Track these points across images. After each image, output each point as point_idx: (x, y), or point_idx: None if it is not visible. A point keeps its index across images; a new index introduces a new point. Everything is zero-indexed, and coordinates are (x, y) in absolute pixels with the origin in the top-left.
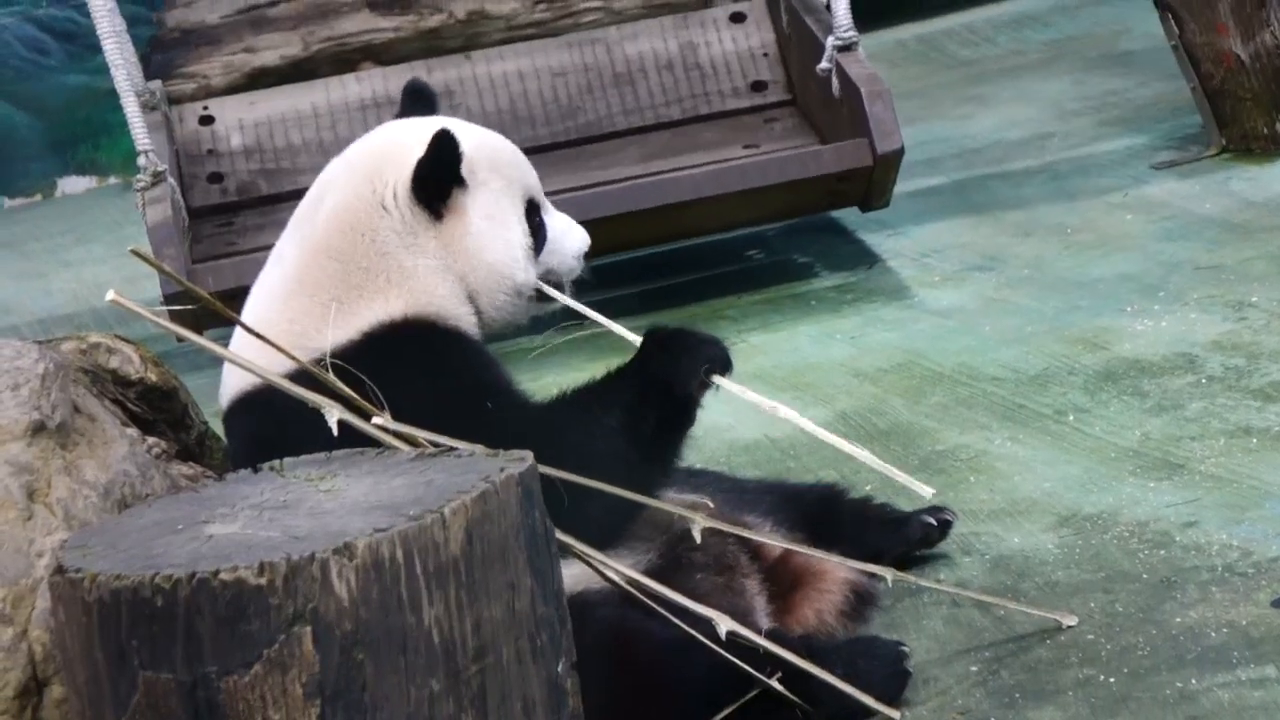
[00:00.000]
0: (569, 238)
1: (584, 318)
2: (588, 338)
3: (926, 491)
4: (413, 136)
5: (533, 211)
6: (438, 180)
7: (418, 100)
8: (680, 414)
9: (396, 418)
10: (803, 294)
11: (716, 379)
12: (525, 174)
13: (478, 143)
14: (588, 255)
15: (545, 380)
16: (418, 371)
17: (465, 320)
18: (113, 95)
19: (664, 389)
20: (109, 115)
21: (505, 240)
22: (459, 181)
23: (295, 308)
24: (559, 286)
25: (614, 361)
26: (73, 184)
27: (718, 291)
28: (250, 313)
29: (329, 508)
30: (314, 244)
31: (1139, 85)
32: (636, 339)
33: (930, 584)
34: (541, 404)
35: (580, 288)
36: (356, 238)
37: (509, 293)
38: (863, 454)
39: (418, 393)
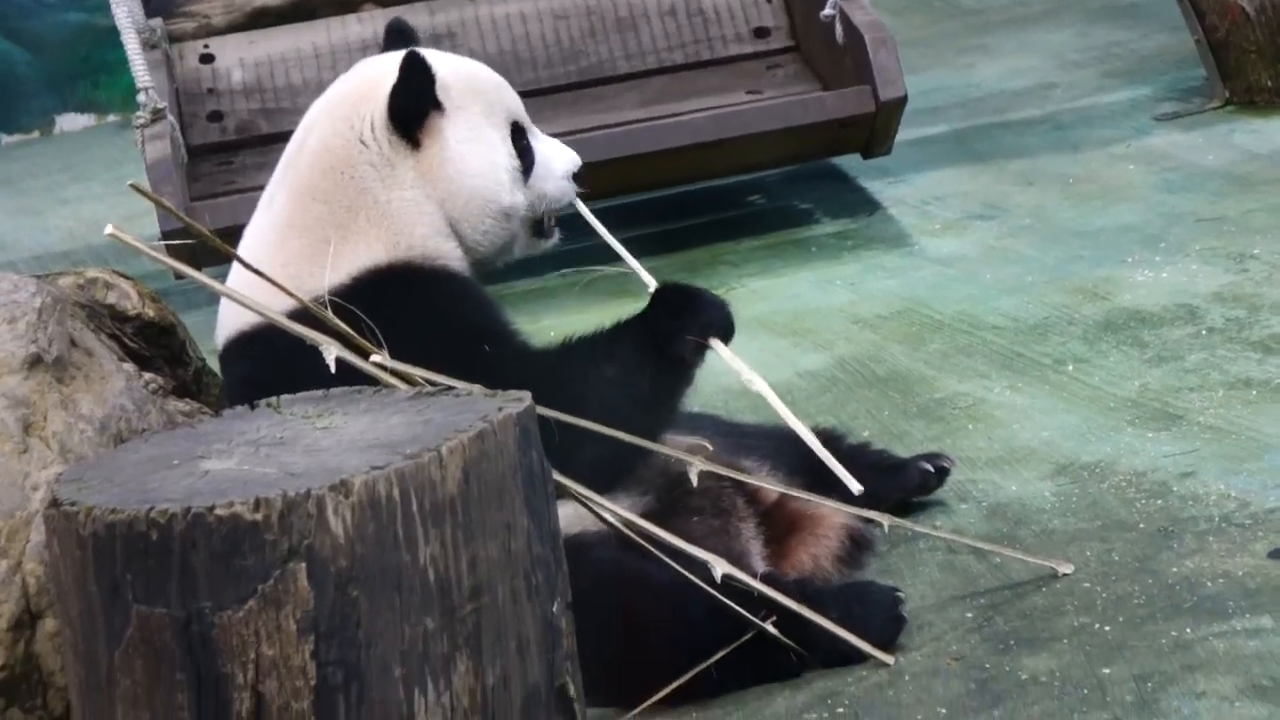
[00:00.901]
0: (557, 159)
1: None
2: (589, 279)
3: (856, 488)
4: (387, 67)
5: (518, 135)
6: (411, 105)
7: (400, 39)
8: (674, 374)
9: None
10: (803, 240)
11: (713, 343)
12: (507, 97)
13: (452, 67)
14: (583, 190)
15: (543, 323)
16: (404, 317)
17: (451, 257)
18: (113, 33)
19: (659, 347)
20: (109, 53)
21: (489, 162)
22: (435, 105)
23: (287, 251)
24: (555, 218)
25: (611, 304)
26: (71, 121)
27: (718, 236)
28: (243, 255)
29: (325, 445)
30: (299, 186)
31: (1143, 37)
32: (651, 280)
33: (927, 530)
34: (540, 350)
35: (578, 231)
36: (337, 176)
37: (495, 216)
38: (811, 439)
39: (407, 338)
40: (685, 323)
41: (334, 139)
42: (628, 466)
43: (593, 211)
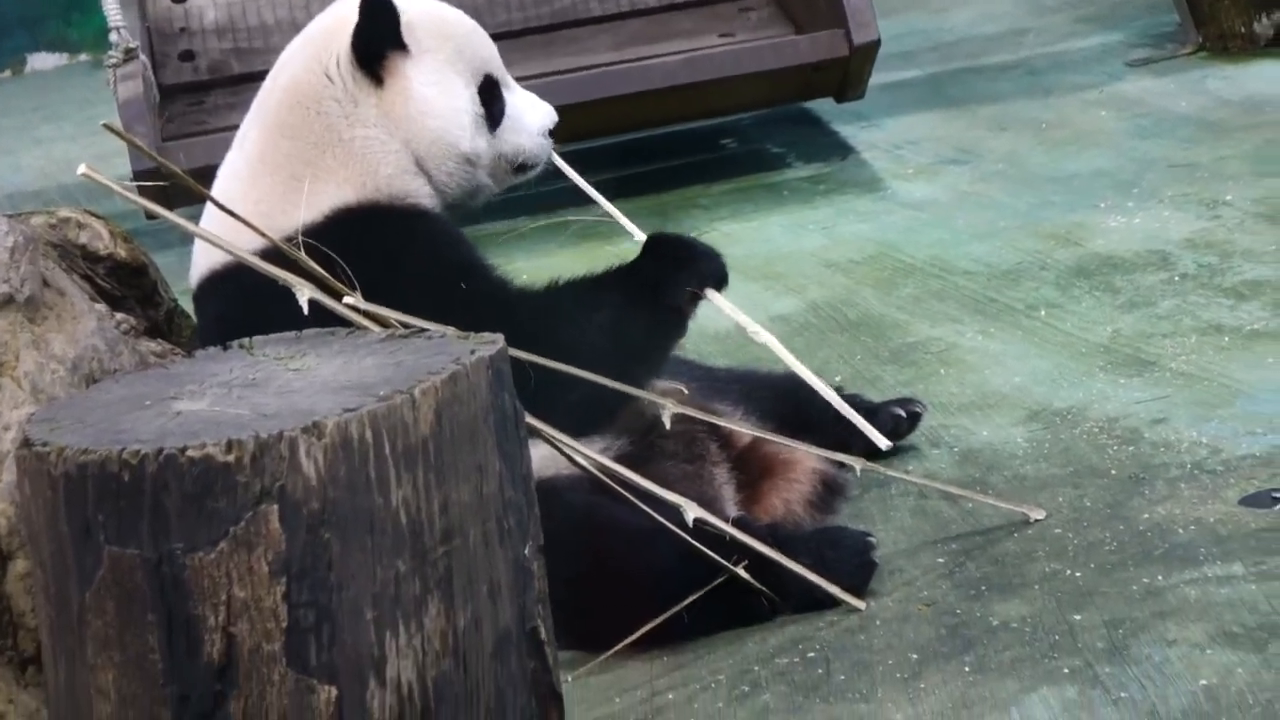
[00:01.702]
0: (531, 114)
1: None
2: (559, 225)
3: (883, 443)
4: (357, 6)
5: (489, 86)
6: (373, 43)
7: None
8: (669, 324)
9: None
10: (775, 184)
11: (709, 293)
12: (479, 46)
13: (424, 10)
14: (556, 135)
15: (517, 264)
16: (378, 257)
17: (421, 195)
18: None
19: (655, 296)
20: None
21: (450, 107)
22: (399, 45)
23: (259, 189)
24: (530, 168)
25: (585, 248)
26: (43, 60)
27: (690, 180)
28: (216, 196)
29: (298, 386)
30: (269, 122)
31: None
32: (635, 229)
33: (898, 475)
34: (526, 290)
35: (551, 175)
36: (304, 112)
37: (457, 161)
38: (829, 393)
39: (381, 277)
40: (682, 273)
41: (303, 74)
42: (610, 411)
43: (565, 155)
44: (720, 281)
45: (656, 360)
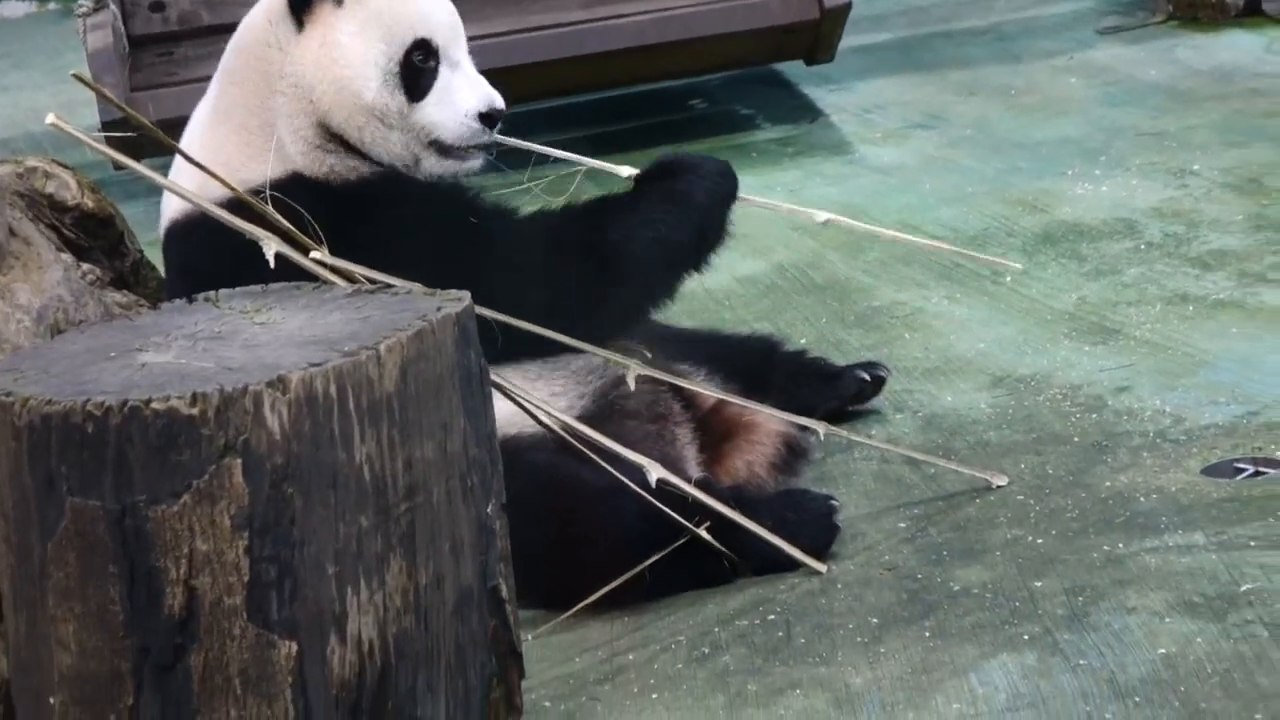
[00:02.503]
0: (465, 95)
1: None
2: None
3: (1015, 267)
4: None
5: (423, 52)
6: None
7: None
8: (718, 231)
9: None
10: (744, 145)
11: (746, 196)
12: (423, 10)
13: None
14: (495, 124)
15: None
16: (363, 210)
17: (342, 168)
18: None
19: (701, 206)
20: None
21: (362, 58)
22: None
23: (216, 137)
24: (458, 151)
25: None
26: (11, 8)
27: (659, 140)
28: (183, 144)
29: (263, 340)
30: (223, 69)
31: None
32: (620, 169)
33: (862, 439)
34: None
35: (517, 129)
36: (247, 57)
37: (364, 113)
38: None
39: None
40: (717, 185)
41: (251, 21)
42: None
43: (536, 113)
44: (737, 185)
45: (699, 265)
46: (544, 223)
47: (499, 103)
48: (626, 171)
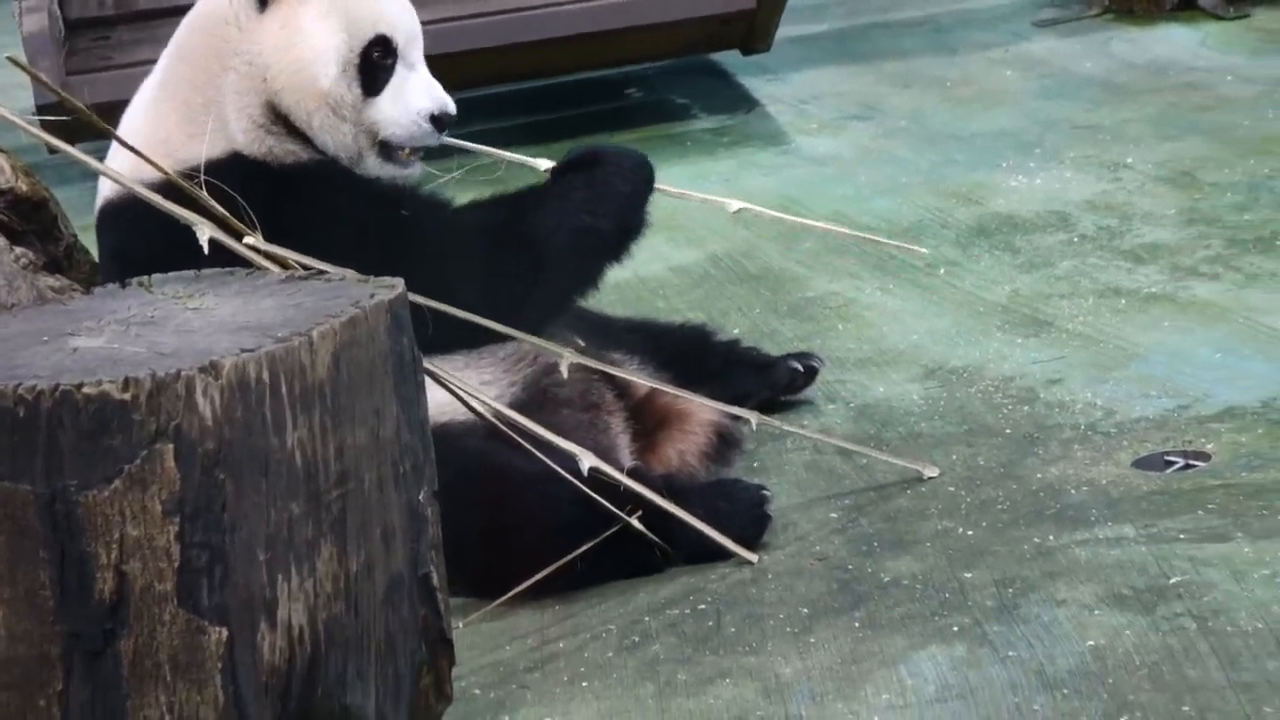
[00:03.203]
0: (417, 95)
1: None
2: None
3: (921, 251)
4: None
5: (382, 48)
6: None
7: None
8: (638, 224)
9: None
10: (679, 135)
11: (662, 186)
12: (389, 10)
13: None
14: (444, 127)
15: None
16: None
17: (281, 151)
18: None
19: (614, 195)
20: None
21: (321, 44)
22: None
23: (157, 116)
24: (400, 156)
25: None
26: None
27: (595, 128)
28: (124, 124)
29: (196, 326)
30: (174, 45)
31: None
32: (538, 162)
33: (794, 429)
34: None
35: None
36: (202, 35)
37: (316, 99)
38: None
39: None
40: (635, 173)
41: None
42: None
43: (471, 100)
44: (654, 176)
45: (621, 254)
46: (470, 215)
47: (451, 107)
48: (544, 165)
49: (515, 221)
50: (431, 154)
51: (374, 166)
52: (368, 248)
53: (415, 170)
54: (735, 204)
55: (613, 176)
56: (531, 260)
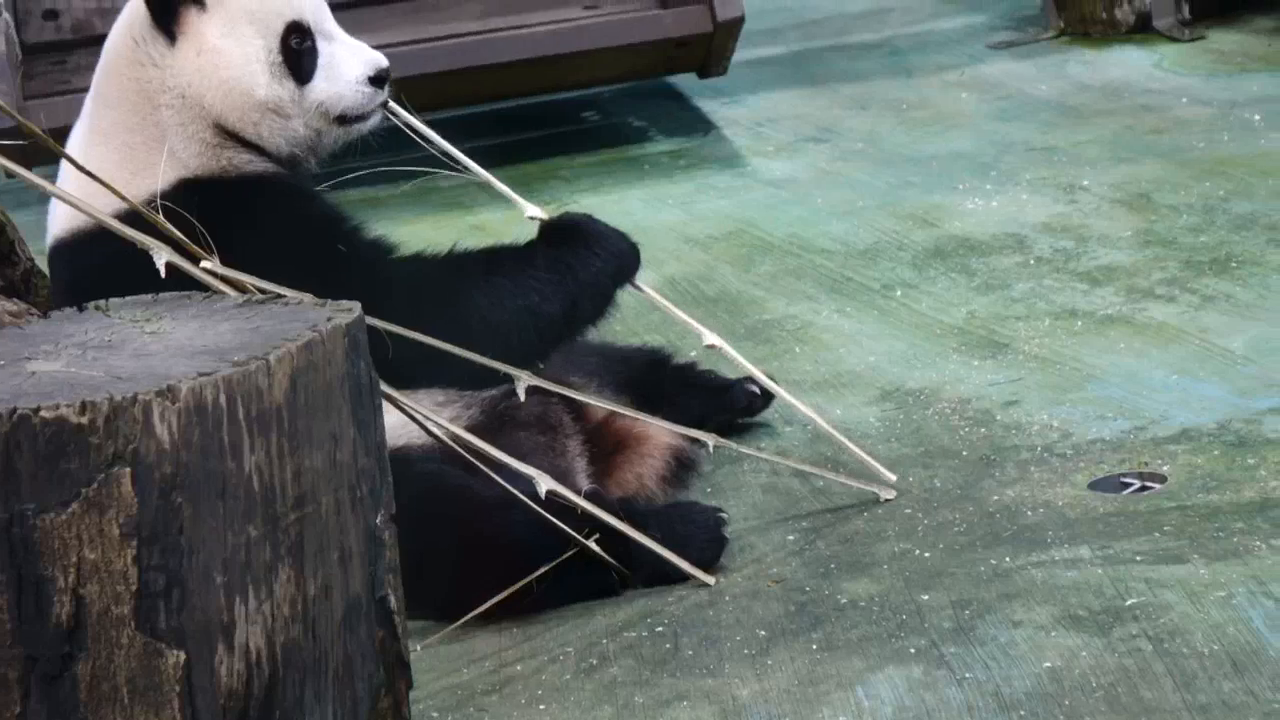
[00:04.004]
0: (350, 62)
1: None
2: (418, 193)
3: (890, 479)
4: None
5: (297, 33)
6: None
7: None
8: (597, 311)
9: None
10: (636, 158)
11: (643, 287)
12: None
13: None
14: (385, 84)
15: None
16: (230, 227)
17: (240, 161)
18: None
19: (587, 284)
20: None
21: (242, 55)
22: (194, 1)
23: (99, 159)
24: (354, 119)
25: (449, 219)
26: None
27: (552, 151)
28: (64, 171)
29: (153, 350)
30: (96, 92)
31: None
32: (524, 205)
33: (751, 452)
34: (424, 256)
35: (406, 140)
36: (119, 79)
37: (259, 111)
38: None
39: (238, 246)
40: (610, 264)
41: (116, 40)
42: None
43: (428, 124)
44: (637, 269)
45: (569, 340)
46: (421, 268)
47: (383, 62)
48: (530, 211)
49: (462, 288)
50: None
51: (335, 136)
52: (312, 278)
53: (375, 119)
54: (710, 337)
55: (586, 260)
56: (466, 332)
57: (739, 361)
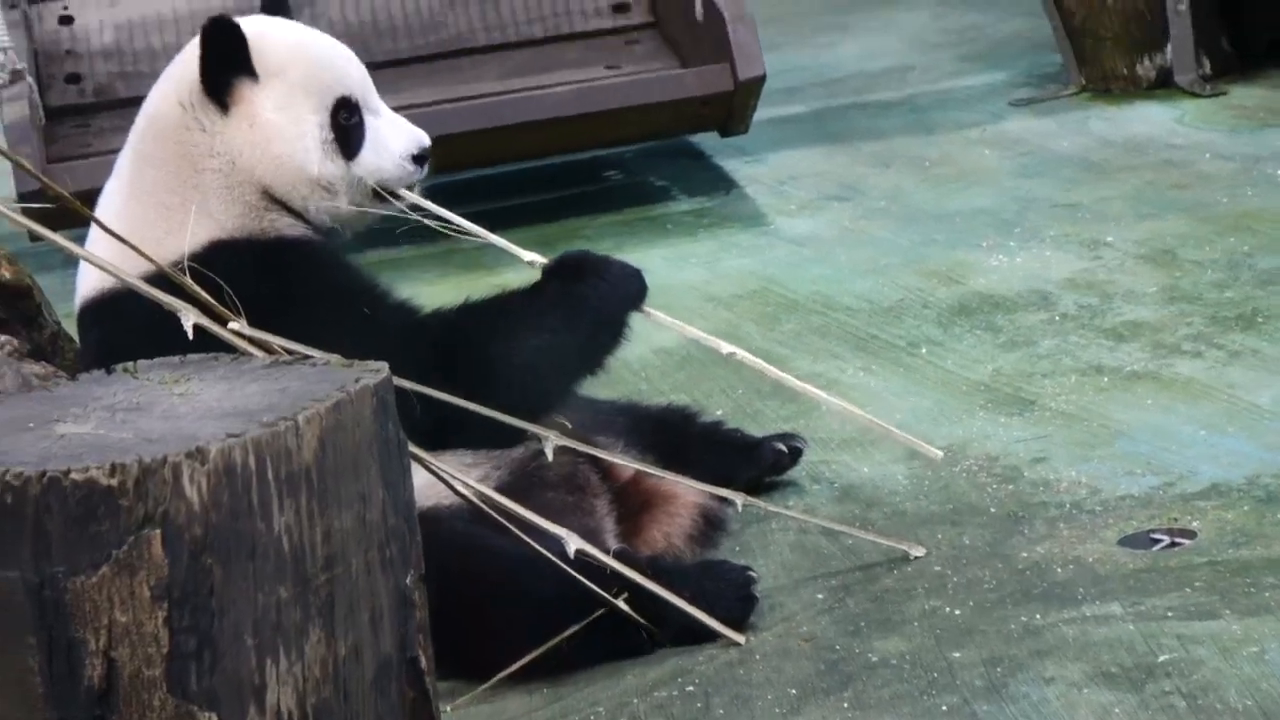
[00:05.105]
0: (396, 138)
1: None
2: (441, 253)
3: (934, 453)
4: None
5: (347, 109)
6: (219, 69)
7: (274, 6)
8: (610, 341)
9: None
10: (658, 217)
11: (651, 311)
12: (337, 70)
13: (276, 34)
14: (432, 164)
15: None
16: (262, 288)
17: (282, 225)
18: None
19: (595, 314)
20: None
21: (296, 132)
22: (247, 72)
23: (131, 218)
24: (395, 193)
25: (470, 279)
26: None
27: (574, 211)
28: (94, 231)
29: (182, 411)
30: (136, 152)
31: (999, 20)
32: (523, 254)
33: (779, 510)
34: (442, 311)
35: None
36: (164, 142)
37: (309, 186)
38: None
39: (268, 308)
40: (616, 290)
41: (161, 104)
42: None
43: (452, 185)
44: (645, 296)
45: (590, 374)
46: (436, 322)
47: (426, 140)
48: (529, 258)
49: (478, 334)
50: (425, 231)
51: (368, 210)
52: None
53: (403, 202)
54: (727, 347)
55: (594, 290)
56: (487, 380)
57: (763, 368)
